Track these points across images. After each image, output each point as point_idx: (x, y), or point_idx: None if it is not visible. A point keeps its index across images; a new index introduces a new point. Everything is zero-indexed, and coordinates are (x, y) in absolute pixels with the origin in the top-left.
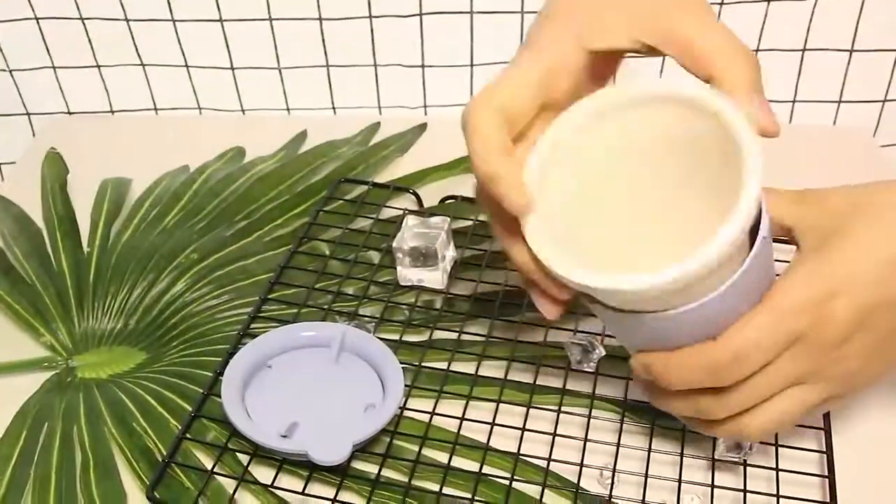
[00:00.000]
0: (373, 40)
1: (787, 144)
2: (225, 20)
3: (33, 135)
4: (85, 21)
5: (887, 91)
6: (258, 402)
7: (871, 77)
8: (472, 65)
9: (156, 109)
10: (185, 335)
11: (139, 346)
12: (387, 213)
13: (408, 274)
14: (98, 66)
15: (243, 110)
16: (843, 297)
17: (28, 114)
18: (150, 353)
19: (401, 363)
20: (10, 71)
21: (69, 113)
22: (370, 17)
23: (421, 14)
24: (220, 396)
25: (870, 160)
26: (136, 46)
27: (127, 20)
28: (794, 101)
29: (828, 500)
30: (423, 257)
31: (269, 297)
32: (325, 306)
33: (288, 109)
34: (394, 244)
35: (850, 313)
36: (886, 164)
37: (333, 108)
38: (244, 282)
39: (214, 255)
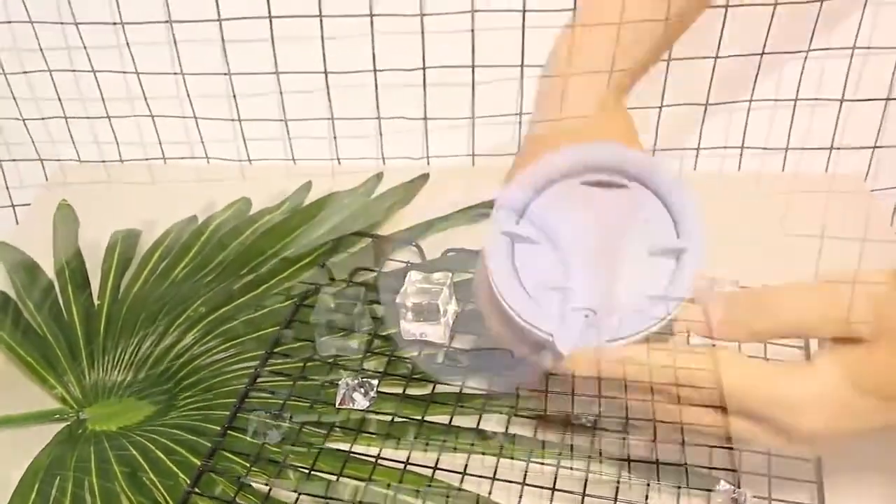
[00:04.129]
0: (377, 93)
1: (782, 191)
2: (233, 73)
3: (46, 179)
4: (97, 73)
5: (877, 138)
6: None
7: (862, 124)
8: (473, 117)
9: (164, 159)
10: (193, 388)
11: (148, 398)
12: (390, 266)
13: (410, 328)
14: (109, 117)
15: (250, 160)
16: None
17: (41, 159)
18: (158, 405)
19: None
20: (24, 120)
21: (80, 161)
22: (374, 70)
23: (424, 67)
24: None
25: (862, 206)
26: (145, 98)
27: (137, 73)
28: (786, 149)
29: None
30: (426, 312)
31: (275, 350)
32: (330, 360)
33: (293, 160)
34: (397, 299)
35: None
36: (878, 209)
37: (338, 158)
38: (251, 335)
39: (222, 308)
